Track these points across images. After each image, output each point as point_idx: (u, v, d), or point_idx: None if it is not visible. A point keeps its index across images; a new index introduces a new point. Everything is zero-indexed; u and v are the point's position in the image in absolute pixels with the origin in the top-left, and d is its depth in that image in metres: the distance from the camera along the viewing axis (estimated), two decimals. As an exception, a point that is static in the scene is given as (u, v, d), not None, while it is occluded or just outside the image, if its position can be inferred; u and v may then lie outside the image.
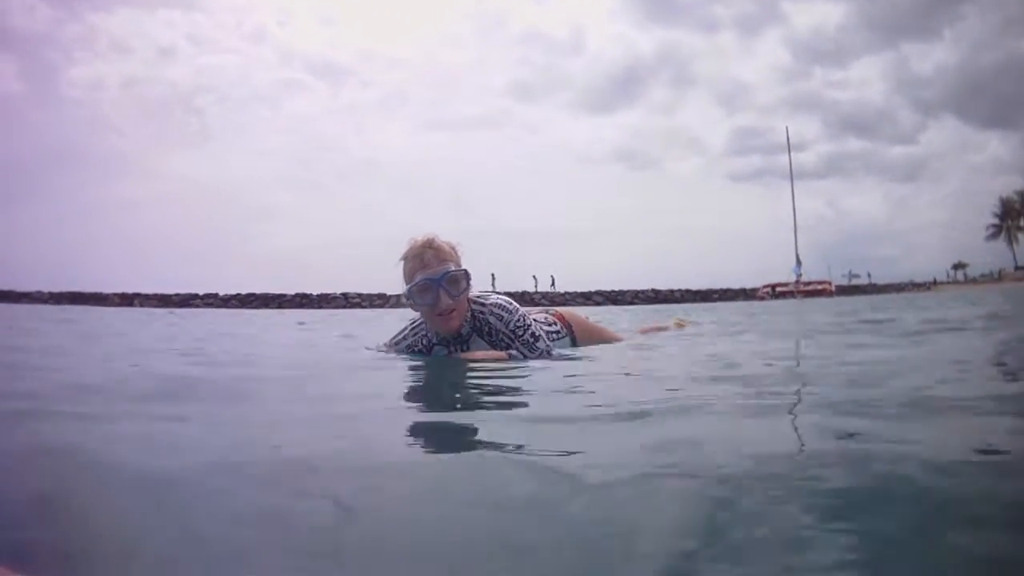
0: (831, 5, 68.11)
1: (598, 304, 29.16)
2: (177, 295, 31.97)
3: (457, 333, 2.25)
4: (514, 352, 2.23)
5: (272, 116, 66.93)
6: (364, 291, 31.09)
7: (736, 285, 33.07)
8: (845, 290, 32.37)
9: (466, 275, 2.22)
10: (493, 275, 34.22)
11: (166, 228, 54.96)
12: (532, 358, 2.23)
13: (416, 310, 2.30)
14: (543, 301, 31.60)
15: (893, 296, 21.33)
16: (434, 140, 69.19)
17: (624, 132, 73.79)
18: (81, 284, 32.50)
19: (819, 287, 32.73)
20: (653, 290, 32.74)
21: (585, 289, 32.22)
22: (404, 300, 2.27)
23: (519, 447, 0.90)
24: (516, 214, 64.00)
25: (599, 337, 2.91)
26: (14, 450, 0.87)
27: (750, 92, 62.94)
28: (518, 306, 2.30)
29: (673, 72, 70.31)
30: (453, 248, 2.28)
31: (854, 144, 63.88)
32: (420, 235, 2.27)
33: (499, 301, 2.28)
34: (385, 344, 2.51)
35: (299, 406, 1.42)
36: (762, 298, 31.27)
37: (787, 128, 39.94)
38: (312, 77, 77.63)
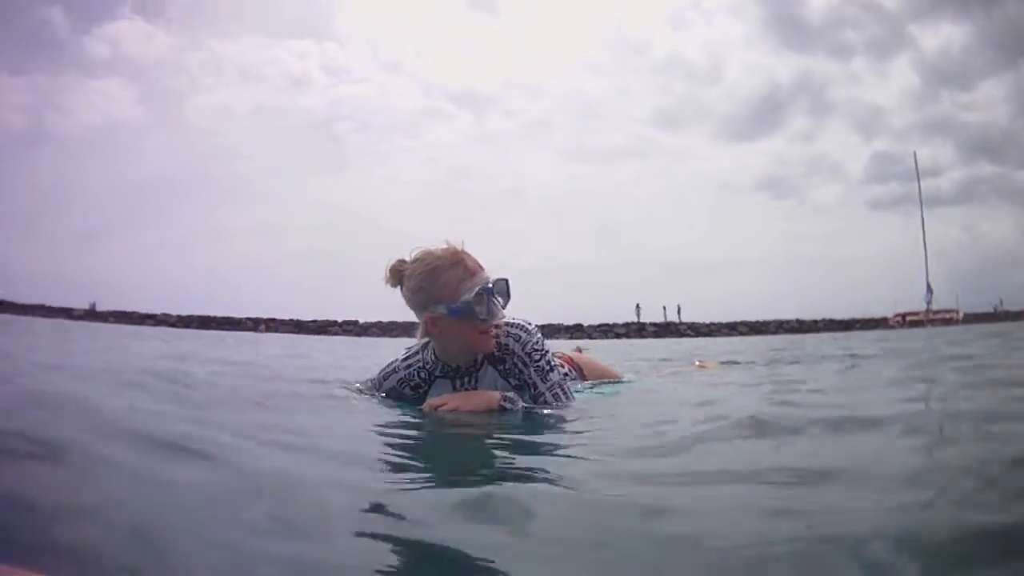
0: (954, 26, 67.69)
1: (742, 335, 28.32)
2: (314, 322, 30.58)
3: (473, 360, 1.98)
4: (511, 395, 1.90)
5: (412, 145, 64.83)
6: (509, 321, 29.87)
7: (878, 314, 32.51)
8: (976, 318, 32.12)
9: (507, 281, 1.93)
10: (638, 305, 33.30)
11: (302, 253, 53.36)
12: (543, 392, 1.96)
13: (444, 336, 1.92)
14: (688, 332, 30.67)
15: (1012, 324, 20.64)
16: (579, 170, 67.86)
17: (766, 160, 69.80)
18: (212, 309, 31.13)
19: (947, 315, 32.52)
20: (797, 320, 31.86)
21: (730, 320, 31.36)
22: (444, 317, 1.86)
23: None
24: (661, 244, 60.90)
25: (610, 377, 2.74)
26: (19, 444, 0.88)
27: (885, 117, 62.43)
28: (537, 329, 2.05)
29: (810, 99, 70.18)
30: None
31: (986, 169, 64.15)
32: (430, 245, 1.93)
33: (518, 321, 2.02)
34: (370, 381, 2.17)
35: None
36: (893, 326, 31.02)
37: (915, 153, 39.56)
38: (453, 106, 73.77)
